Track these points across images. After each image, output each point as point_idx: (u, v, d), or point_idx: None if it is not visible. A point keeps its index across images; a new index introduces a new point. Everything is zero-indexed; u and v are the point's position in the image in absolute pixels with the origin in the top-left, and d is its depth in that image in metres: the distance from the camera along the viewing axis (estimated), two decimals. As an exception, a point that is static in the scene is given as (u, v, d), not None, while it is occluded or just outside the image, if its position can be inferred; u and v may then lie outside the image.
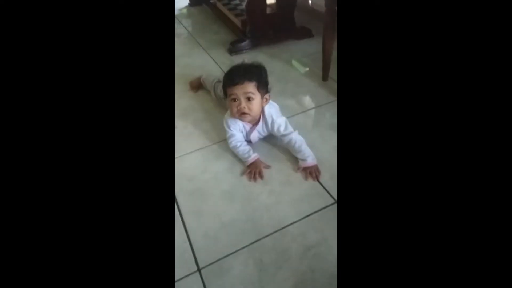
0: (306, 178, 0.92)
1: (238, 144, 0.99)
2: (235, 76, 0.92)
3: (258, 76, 0.94)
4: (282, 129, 0.98)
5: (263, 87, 0.95)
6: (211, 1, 2.10)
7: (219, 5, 1.99)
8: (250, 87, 0.92)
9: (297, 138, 0.97)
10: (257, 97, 0.93)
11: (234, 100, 0.93)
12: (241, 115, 0.95)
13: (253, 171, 0.94)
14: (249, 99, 0.92)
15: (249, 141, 1.03)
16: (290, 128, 0.98)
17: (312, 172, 0.92)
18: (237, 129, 1.00)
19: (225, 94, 0.97)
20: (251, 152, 0.98)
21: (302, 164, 0.94)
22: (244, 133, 1.02)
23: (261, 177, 0.93)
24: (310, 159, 0.93)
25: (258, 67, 0.98)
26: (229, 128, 1.00)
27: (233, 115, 0.97)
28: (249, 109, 0.93)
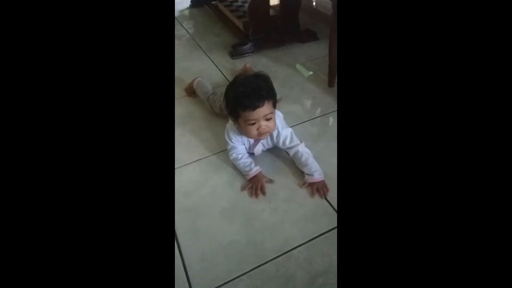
0: (312, 195, 0.85)
1: (239, 156, 0.92)
2: (254, 100, 0.80)
3: (272, 92, 0.86)
4: (287, 141, 0.91)
5: (275, 101, 0.88)
6: (213, 2, 2.04)
7: (221, 6, 1.92)
8: (269, 108, 0.84)
9: (303, 151, 0.89)
10: (273, 114, 0.86)
11: (253, 123, 0.84)
12: (261, 135, 0.87)
13: (255, 186, 0.87)
14: (268, 119, 0.84)
15: (251, 154, 0.96)
16: (296, 140, 0.91)
17: (319, 189, 0.85)
18: (239, 142, 0.93)
19: (236, 115, 0.85)
20: (253, 165, 0.91)
21: (309, 180, 0.86)
22: (247, 145, 0.95)
23: (263, 193, 0.86)
24: (317, 174, 0.86)
25: (266, 80, 0.87)
26: (230, 140, 0.92)
27: (252, 137, 0.89)
28: (269, 128, 0.86)
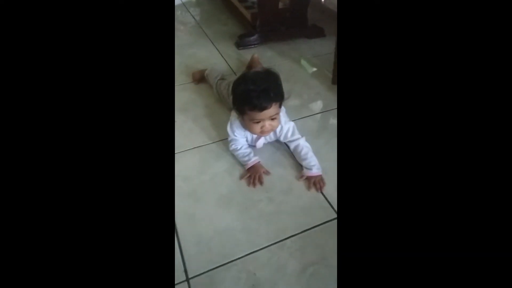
0: (309, 188, 0.87)
1: (239, 147, 0.94)
2: (262, 101, 0.80)
3: (281, 93, 0.86)
4: (289, 134, 0.92)
5: (282, 101, 0.88)
6: (221, -10, 2.02)
7: (230, -5, 1.91)
8: (276, 109, 0.84)
9: (304, 145, 0.91)
10: (279, 114, 0.87)
11: (258, 122, 0.85)
12: (264, 133, 0.88)
13: (253, 175, 0.89)
14: (273, 119, 0.85)
15: (253, 146, 0.98)
16: (297, 134, 0.93)
17: (316, 183, 0.86)
18: (241, 135, 0.94)
19: (241, 112, 0.86)
20: (252, 155, 0.92)
21: (306, 173, 0.88)
22: (250, 138, 0.96)
23: (261, 182, 0.88)
24: (315, 168, 0.88)
25: (276, 79, 0.86)
26: (233, 133, 0.93)
27: (254, 133, 0.91)
28: (273, 126, 0.87)
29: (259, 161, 0.92)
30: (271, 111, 0.83)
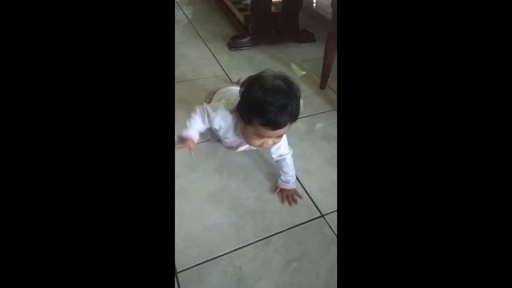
0: (282, 201, 0.87)
1: (197, 124, 0.82)
2: (279, 120, 0.69)
3: (299, 112, 0.73)
4: (281, 149, 0.86)
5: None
6: (215, -10, 2.04)
7: (223, -4, 1.93)
8: (287, 128, 0.73)
9: (289, 159, 0.88)
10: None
11: (262, 137, 0.74)
12: (262, 147, 0.80)
13: (184, 144, 0.80)
14: (278, 136, 0.76)
15: (230, 148, 0.94)
16: (287, 149, 0.87)
17: (288, 196, 0.87)
18: (222, 129, 0.83)
19: (247, 122, 0.73)
20: (196, 132, 0.83)
21: (281, 185, 0.88)
22: (229, 140, 0.88)
23: (191, 150, 0.79)
24: (291, 182, 0.88)
25: (297, 98, 0.72)
26: (209, 120, 0.81)
27: (250, 145, 0.81)
28: (275, 143, 0.79)
29: (194, 140, 0.81)
30: (283, 130, 0.73)
